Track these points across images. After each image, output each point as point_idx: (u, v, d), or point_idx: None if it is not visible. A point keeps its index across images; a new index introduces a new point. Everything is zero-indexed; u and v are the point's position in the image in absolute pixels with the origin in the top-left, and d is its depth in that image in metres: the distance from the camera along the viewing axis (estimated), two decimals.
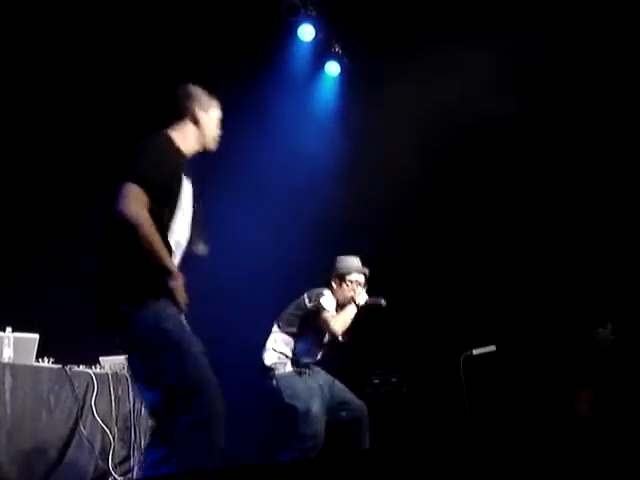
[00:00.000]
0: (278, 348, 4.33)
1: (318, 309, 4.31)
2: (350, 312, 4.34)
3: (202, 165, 3.05)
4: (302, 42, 6.59)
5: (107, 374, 4.66)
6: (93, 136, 5.95)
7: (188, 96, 3.01)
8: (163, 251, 2.64)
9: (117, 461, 4.51)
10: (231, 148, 6.16)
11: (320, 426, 4.12)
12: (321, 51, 6.78)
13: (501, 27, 5.74)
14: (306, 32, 6.50)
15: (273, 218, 6.42)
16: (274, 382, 4.23)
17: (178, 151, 2.88)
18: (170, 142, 2.87)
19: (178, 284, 2.66)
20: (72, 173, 6.02)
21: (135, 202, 2.60)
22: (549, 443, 2.27)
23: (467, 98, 5.99)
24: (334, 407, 4.29)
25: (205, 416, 2.52)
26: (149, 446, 2.67)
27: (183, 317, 2.73)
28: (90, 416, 4.44)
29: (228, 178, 6.01)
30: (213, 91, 3.10)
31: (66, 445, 4.28)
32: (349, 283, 4.46)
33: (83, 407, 4.42)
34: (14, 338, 4.38)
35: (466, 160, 6.34)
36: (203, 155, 3.02)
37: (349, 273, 4.47)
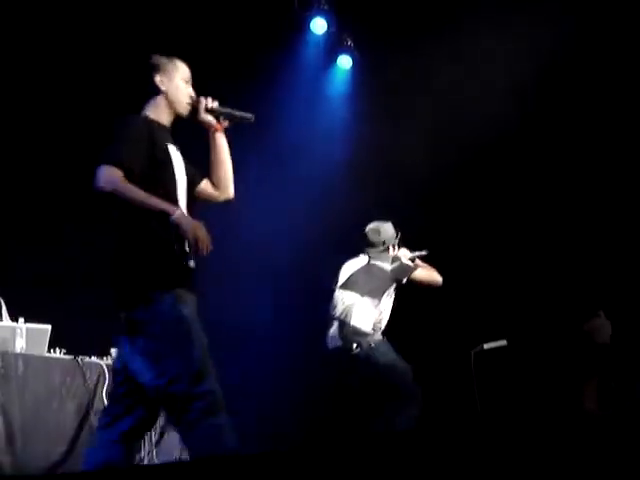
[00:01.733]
0: (369, 315, 4.41)
1: (408, 270, 4.54)
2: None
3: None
4: (314, 35, 6.61)
5: None
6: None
7: (150, 68, 2.95)
8: (153, 199, 2.62)
9: None
10: (243, 140, 6.23)
11: None
12: (333, 44, 6.79)
13: (519, 20, 5.73)
14: (318, 25, 6.51)
15: (288, 206, 6.44)
16: (372, 345, 4.31)
17: (154, 125, 2.85)
18: (142, 119, 2.86)
19: (184, 219, 2.65)
20: (84, 167, 6.04)
21: (109, 175, 2.61)
22: (558, 439, 2.26)
23: (483, 94, 5.97)
24: None
25: (212, 402, 2.56)
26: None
27: (192, 305, 2.72)
28: (101, 407, 4.43)
29: (242, 169, 6.03)
30: (181, 56, 3.04)
31: (77, 435, 4.30)
32: (395, 246, 4.70)
33: (94, 398, 4.43)
34: (26, 329, 4.39)
35: (478, 158, 6.32)
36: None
37: (395, 237, 4.72)
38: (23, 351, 4.27)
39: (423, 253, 4.71)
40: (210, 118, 2.99)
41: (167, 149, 2.83)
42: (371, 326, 4.40)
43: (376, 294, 4.45)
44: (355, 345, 4.30)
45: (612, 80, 5.80)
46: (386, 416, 4.14)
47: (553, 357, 5.25)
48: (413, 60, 6.27)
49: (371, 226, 4.72)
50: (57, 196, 6.00)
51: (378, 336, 4.40)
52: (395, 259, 4.53)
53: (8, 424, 3.90)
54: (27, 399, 4.06)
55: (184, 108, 2.94)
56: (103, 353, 4.76)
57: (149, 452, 4.64)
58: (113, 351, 4.86)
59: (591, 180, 5.90)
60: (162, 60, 2.97)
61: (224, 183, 3.03)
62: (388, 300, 4.55)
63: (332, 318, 4.48)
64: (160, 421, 4.79)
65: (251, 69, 6.19)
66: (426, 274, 4.62)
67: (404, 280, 4.55)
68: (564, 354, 4.87)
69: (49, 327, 4.49)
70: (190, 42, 5.93)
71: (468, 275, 6.28)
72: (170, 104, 2.92)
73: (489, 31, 5.89)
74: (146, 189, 2.64)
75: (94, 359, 4.62)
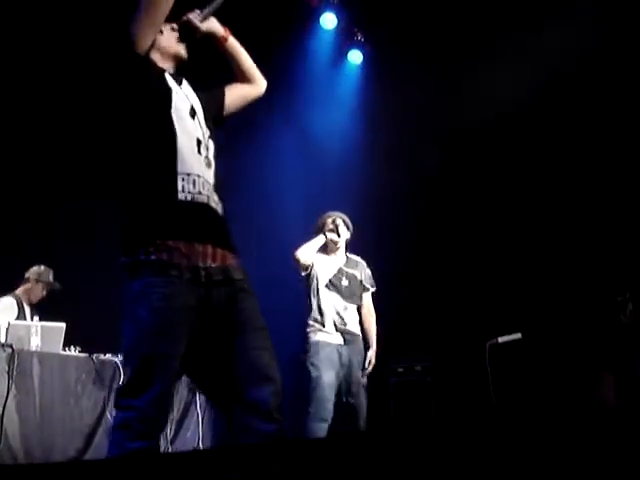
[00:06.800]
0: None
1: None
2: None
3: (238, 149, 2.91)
4: (324, 30, 6.60)
5: None
6: None
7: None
8: None
9: None
10: (256, 135, 6.27)
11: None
12: (344, 39, 6.77)
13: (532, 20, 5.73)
14: (328, 20, 6.50)
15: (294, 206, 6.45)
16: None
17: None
18: None
19: None
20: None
21: None
22: (574, 432, 2.24)
23: (493, 89, 5.96)
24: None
25: None
26: None
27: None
28: None
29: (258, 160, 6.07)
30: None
31: (93, 432, 4.32)
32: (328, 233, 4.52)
33: (109, 395, 4.46)
34: (41, 327, 4.43)
35: (492, 152, 6.32)
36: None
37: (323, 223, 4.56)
38: (38, 349, 4.31)
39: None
40: (211, 25, 2.65)
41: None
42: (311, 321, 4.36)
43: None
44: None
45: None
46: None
47: (568, 350, 5.21)
48: (425, 55, 6.26)
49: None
50: (70, 196, 6.05)
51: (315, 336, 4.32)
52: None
53: (24, 421, 3.92)
54: (43, 396, 4.08)
55: (183, 52, 2.59)
56: (117, 351, 4.78)
57: (165, 449, 4.65)
58: None
59: (607, 168, 5.86)
60: None
61: (254, 73, 2.78)
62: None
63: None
64: (175, 416, 4.83)
65: (259, 66, 6.20)
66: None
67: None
68: (581, 345, 4.83)
69: (64, 325, 4.52)
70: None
71: (483, 269, 6.26)
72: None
73: (502, 29, 5.89)
74: None
75: (108, 356, 4.64)
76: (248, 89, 2.79)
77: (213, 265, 2.27)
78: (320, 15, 6.46)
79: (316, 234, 4.48)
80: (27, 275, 5.34)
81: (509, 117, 6.08)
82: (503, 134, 6.23)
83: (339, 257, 4.52)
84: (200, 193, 2.32)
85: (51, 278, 5.38)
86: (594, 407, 3.73)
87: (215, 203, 2.37)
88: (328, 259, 4.48)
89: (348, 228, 4.56)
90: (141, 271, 2.19)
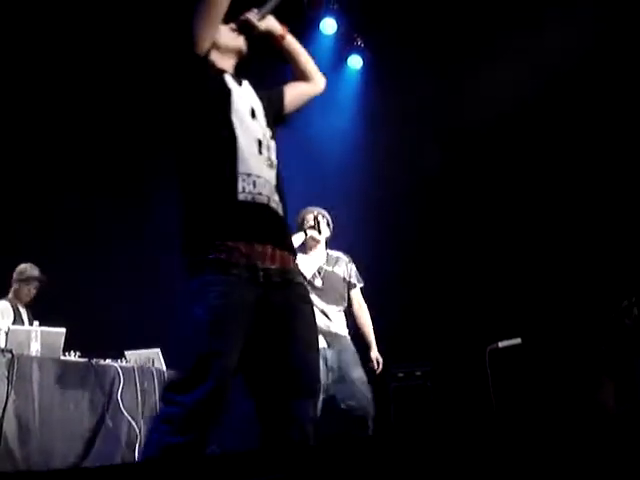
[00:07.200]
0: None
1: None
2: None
3: None
4: (324, 36, 6.59)
5: (133, 367, 4.69)
6: None
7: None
8: None
9: None
10: None
11: None
12: (343, 44, 6.78)
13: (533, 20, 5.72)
14: (328, 25, 6.51)
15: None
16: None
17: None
18: None
19: None
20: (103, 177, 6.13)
21: None
22: (574, 436, 2.24)
23: (496, 93, 5.96)
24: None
25: None
26: None
27: None
28: (116, 409, 4.47)
29: None
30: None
31: (93, 438, 4.31)
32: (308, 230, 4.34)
33: (109, 400, 4.45)
34: (41, 332, 4.42)
35: (493, 157, 6.32)
36: None
37: (304, 214, 4.42)
38: (38, 354, 4.30)
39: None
40: (269, 24, 2.67)
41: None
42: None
43: None
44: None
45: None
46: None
47: (568, 355, 5.21)
48: (424, 56, 6.25)
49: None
50: (77, 208, 6.06)
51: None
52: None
53: (23, 427, 3.92)
54: (42, 402, 4.08)
55: (244, 47, 2.63)
56: (117, 356, 4.79)
57: None
58: (127, 353, 4.89)
59: (609, 168, 5.86)
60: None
61: (312, 71, 2.81)
62: None
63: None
64: None
65: (259, 70, 6.19)
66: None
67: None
68: (581, 350, 4.83)
69: (64, 330, 4.51)
70: None
71: (484, 271, 6.26)
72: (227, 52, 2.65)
73: (502, 28, 5.88)
74: None
75: (109, 362, 4.64)
76: (306, 87, 2.79)
77: (272, 267, 2.26)
78: (320, 21, 6.47)
79: (296, 231, 4.25)
80: (13, 276, 5.31)
81: (509, 117, 6.08)
82: (503, 134, 6.24)
83: (319, 255, 4.32)
84: (260, 194, 2.31)
85: (35, 273, 5.29)
86: (594, 412, 3.72)
87: (276, 204, 2.36)
88: (306, 258, 4.26)
89: (329, 225, 4.39)
90: (200, 270, 2.19)
